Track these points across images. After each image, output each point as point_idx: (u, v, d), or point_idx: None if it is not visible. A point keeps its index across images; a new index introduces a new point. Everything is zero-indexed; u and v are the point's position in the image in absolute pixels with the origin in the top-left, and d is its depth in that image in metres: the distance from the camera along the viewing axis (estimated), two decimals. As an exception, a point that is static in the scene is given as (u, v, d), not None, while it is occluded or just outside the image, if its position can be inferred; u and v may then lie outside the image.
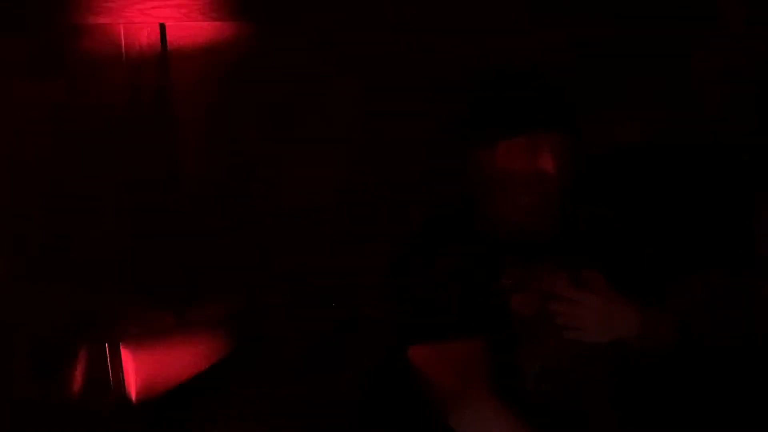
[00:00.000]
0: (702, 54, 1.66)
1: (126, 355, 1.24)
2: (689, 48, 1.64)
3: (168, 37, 1.48)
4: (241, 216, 1.54)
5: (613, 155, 1.57)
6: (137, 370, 1.25)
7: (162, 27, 1.47)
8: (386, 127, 1.63)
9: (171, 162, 1.51)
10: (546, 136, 1.28)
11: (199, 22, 1.50)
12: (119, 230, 1.48)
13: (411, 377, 1.33)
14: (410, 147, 1.63)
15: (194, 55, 1.50)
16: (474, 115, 1.37)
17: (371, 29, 1.58)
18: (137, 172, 1.48)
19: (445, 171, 1.42)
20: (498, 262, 1.33)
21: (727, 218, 1.42)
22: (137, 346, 1.25)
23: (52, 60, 1.44)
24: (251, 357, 1.39)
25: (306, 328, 1.48)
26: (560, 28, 1.60)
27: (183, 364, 1.31)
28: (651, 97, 1.65)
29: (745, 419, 1.25)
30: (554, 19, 1.61)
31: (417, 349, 1.33)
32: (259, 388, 1.33)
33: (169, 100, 1.49)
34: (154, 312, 1.37)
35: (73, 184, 1.46)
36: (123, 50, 1.45)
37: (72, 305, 1.34)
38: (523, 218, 1.32)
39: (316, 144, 1.59)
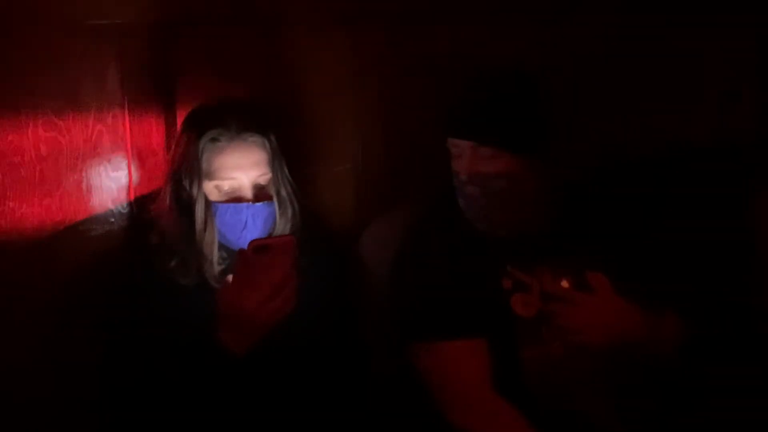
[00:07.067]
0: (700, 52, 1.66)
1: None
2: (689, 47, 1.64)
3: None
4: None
5: (613, 156, 1.57)
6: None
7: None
8: (384, 126, 1.62)
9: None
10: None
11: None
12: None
13: (412, 377, 1.33)
14: (410, 146, 1.63)
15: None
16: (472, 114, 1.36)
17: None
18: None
19: (445, 170, 1.41)
20: (498, 262, 1.32)
21: (728, 218, 1.42)
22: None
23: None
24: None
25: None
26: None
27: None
28: (650, 98, 1.64)
29: (747, 421, 1.25)
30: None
31: (418, 349, 1.33)
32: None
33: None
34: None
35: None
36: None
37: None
38: (524, 218, 1.31)
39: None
